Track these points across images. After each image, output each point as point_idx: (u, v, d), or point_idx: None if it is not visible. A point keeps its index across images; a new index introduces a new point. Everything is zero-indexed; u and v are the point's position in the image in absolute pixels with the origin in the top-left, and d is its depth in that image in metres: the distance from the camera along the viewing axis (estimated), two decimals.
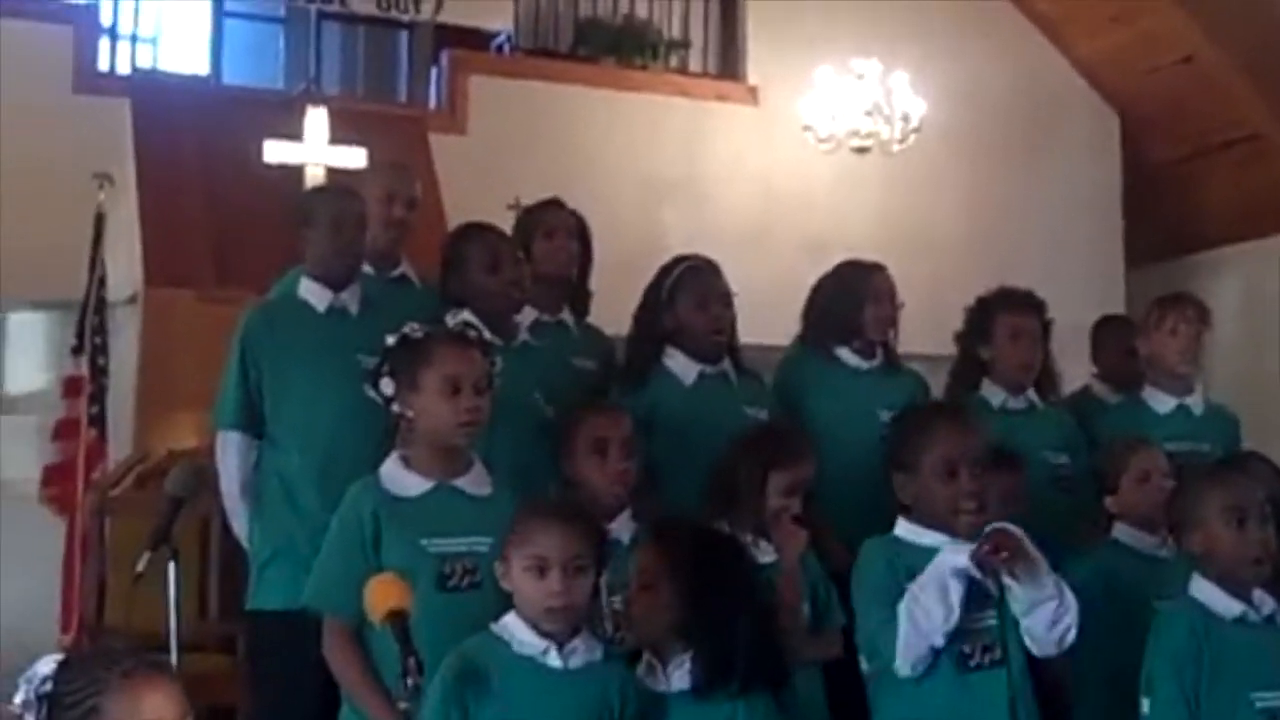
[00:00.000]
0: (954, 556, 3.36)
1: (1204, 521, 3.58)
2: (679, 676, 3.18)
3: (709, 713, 3.15)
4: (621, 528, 3.68)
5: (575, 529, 3.13)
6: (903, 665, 3.38)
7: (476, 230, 4.55)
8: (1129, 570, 4.09)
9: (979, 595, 3.40)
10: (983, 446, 3.60)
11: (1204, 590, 3.57)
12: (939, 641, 3.37)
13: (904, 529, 3.57)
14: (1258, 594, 3.56)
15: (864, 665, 3.57)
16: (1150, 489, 4.16)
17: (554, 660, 3.07)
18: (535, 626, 3.08)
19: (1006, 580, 3.40)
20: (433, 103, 9.84)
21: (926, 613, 3.34)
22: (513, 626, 3.11)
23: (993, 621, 3.44)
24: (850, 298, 4.82)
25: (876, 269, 4.91)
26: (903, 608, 3.36)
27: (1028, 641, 3.46)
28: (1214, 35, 10.06)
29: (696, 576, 3.20)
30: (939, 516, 3.51)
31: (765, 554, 3.83)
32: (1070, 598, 3.43)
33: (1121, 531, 4.21)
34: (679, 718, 3.16)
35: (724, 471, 3.97)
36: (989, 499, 3.57)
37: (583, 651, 3.10)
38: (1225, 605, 3.53)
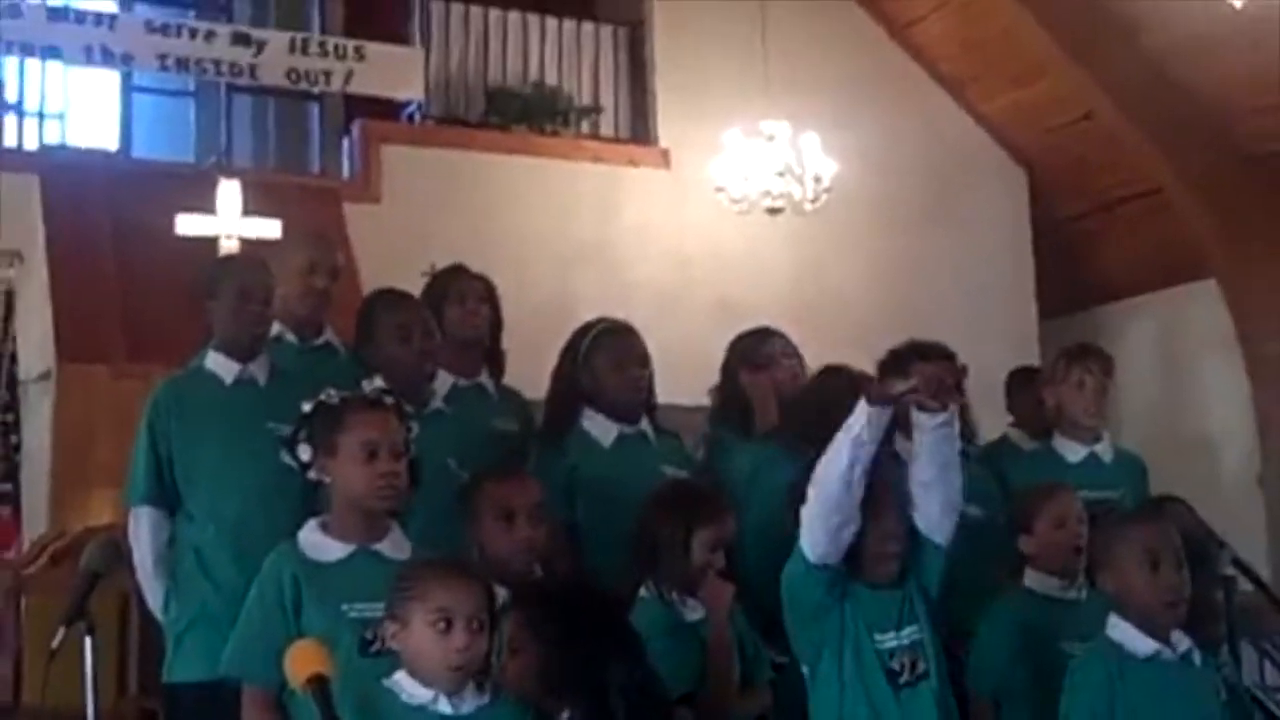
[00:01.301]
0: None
1: (1119, 564, 3.65)
2: None
3: None
4: None
5: (477, 585, 3.15)
6: (805, 538, 3.52)
7: (387, 299, 4.58)
8: (1042, 614, 4.15)
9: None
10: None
11: (1120, 630, 3.63)
12: (837, 489, 3.48)
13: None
14: (1175, 634, 3.63)
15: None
16: (1065, 534, 4.22)
17: (445, 708, 3.07)
18: (425, 681, 3.07)
19: (922, 418, 3.52)
20: (345, 172, 9.86)
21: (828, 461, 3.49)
22: (401, 681, 3.10)
23: (919, 636, 3.55)
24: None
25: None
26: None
27: (921, 522, 3.65)
28: (1112, 92, 10.31)
29: (559, 634, 3.22)
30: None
31: (693, 611, 3.85)
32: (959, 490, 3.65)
33: (1032, 577, 4.26)
34: None
35: (646, 530, 3.99)
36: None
37: (471, 698, 3.10)
38: (1140, 644, 3.60)
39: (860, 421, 3.48)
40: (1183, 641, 3.63)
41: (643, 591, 3.87)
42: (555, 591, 3.48)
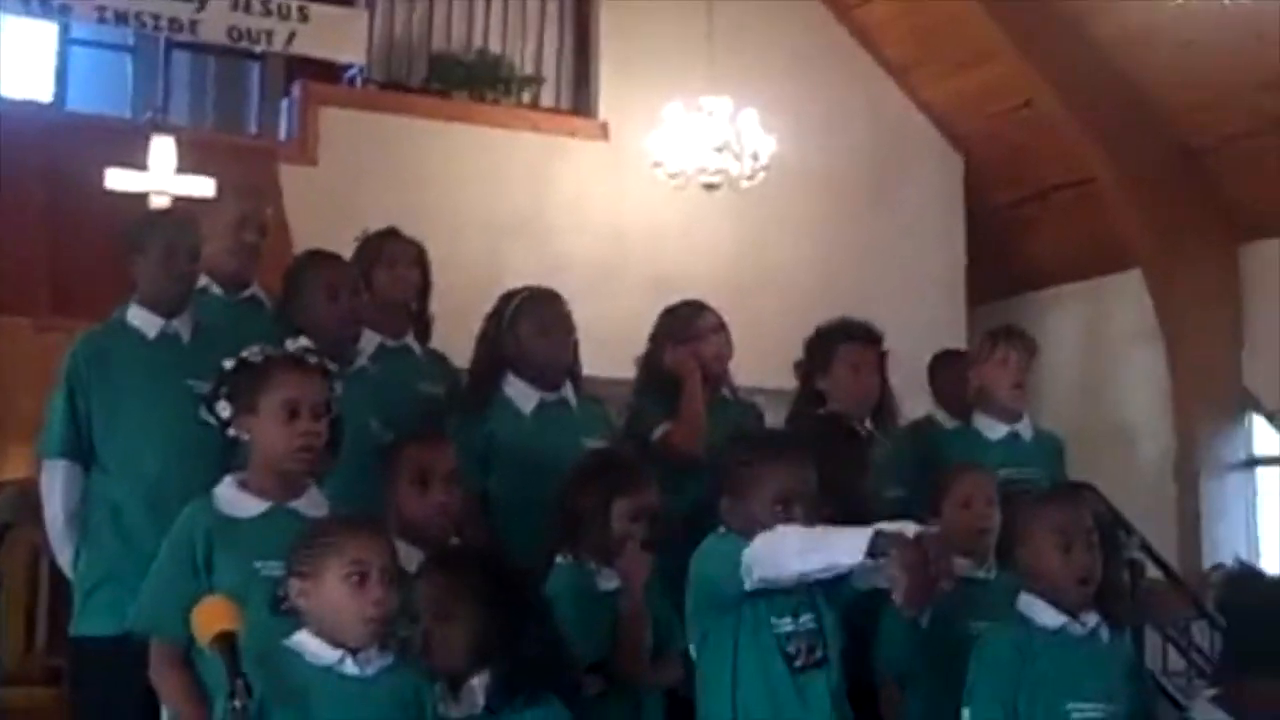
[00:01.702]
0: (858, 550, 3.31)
1: (1033, 542, 3.72)
2: (467, 700, 3.22)
3: None
4: None
5: (388, 540, 3.17)
6: (752, 564, 3.44)
7: (317, 258, 4.58)
8: (949, 594, 4.17)
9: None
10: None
11: (1030, 606, 3.70)
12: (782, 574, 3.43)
13: None
14: (1085, 612, 3.70)
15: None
16: (970, 515, 4.27)
17: (351, 668, 3.06)
18: (330, 640, 3.07)
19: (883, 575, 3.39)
20: (283, 134, 9.80)
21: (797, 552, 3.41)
22: (305, 642, 3.09)
23: (816, 625, 3.57)
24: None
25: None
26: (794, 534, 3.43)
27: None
28: (1052, 81, 10.39)
29: (489, 599, 3.25)
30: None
31: (609, 580, 3.86)
32: None
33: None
34: None
35: (566, 499, 4.00)
36: None
37: (376, 659, 3.10)
38: (1048, 618, 3.67)
39: (850, 559, 3.32)
40: (1091, 618, 3.70)
41: (559, 559, 3.89)
42: (486, 560, 3.48)
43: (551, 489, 4.07)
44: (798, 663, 3.54)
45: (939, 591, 3.21)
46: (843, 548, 3.29)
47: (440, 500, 3.78)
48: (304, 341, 3.86)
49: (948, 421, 5.74)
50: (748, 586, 3.46)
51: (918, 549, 3.15)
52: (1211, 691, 3.81)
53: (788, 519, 3.49)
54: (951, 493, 4.32)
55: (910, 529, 3.22)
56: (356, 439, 3.97)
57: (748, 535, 3.50)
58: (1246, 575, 4.17)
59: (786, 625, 3.56)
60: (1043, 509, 3.81)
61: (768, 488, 3.55)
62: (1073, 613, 3.68)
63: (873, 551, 3.20)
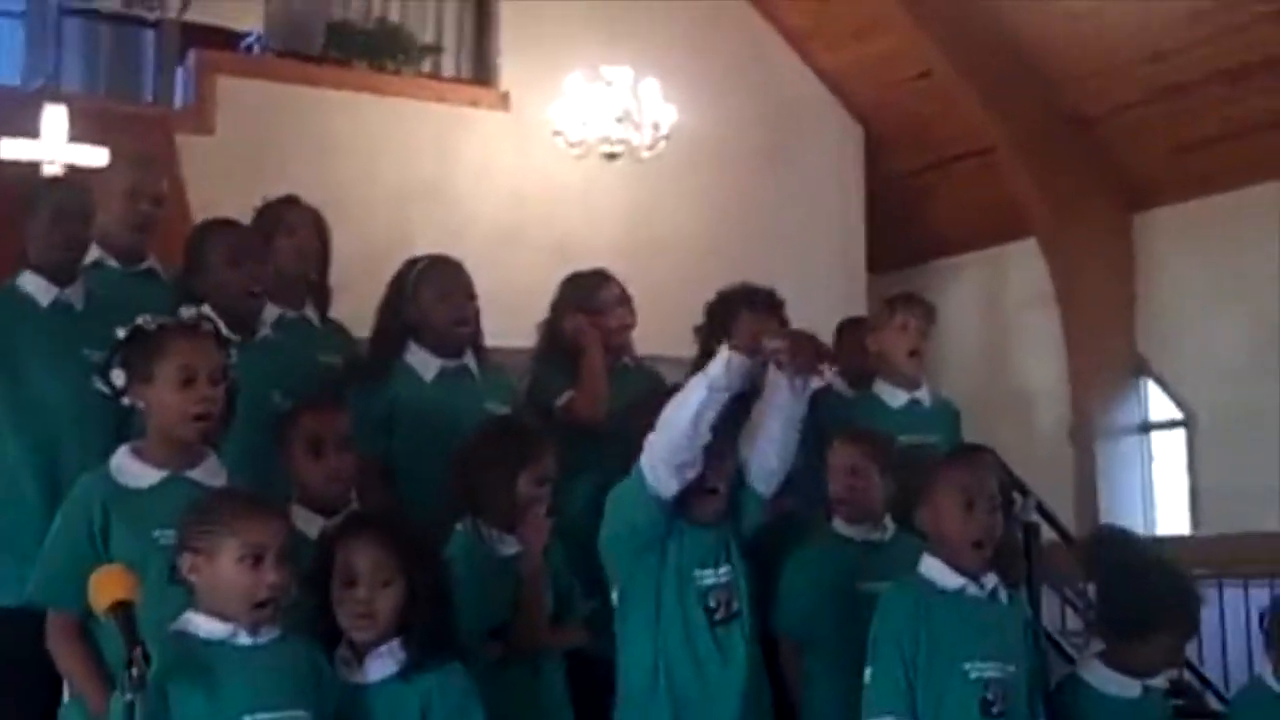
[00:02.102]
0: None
1: (936, 503, 3.77)
2: (379, 665, 3.23)
3: (408, 694, 3.22)
4: None
5: (283, 520, 3.19)
6: (647, 466, 3.61)
7: (219, 225, 4.54)
8: (846, 557, 4.25)
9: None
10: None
11: (930, 567, 3.76)
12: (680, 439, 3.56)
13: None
14: (985, 574, 3.76)
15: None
16: (856, 481, 4.32)
17: (244, 639, 3.08)
18: (219, 616, 3.07)
19: (778, 379, 3.62)
20: (179, 102, 9.65)
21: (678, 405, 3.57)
22: (194, 621, 3.09)
23: (732, 577, 3.70)
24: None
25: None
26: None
27: (753, 470, 3.79)
28: (950, 52, 10.49)
29: (420, 565, 3.28)
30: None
31: (509, 547, 3.87)
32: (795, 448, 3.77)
33: (838, 523, 4.37)
34: (381, 704, 3.21)
35: (467, 467, 4.00)
36: None
37: (266, 630, 3.12)
38: (948, 579, 3.72)
39: (719, 369, 3.53)
40: (990, 580, 3.76)
41: (458, 525, 3.89)
42: (417, 526, 3.52)
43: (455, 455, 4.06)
44: (717, 615, 3.62)
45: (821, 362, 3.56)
46: (708, 374, 3.55)
47: (334, 465, 3.78)
48: (203, 309, 3.83)
49: (842, 387, 5.78)
50: (662, 492, 3.60)
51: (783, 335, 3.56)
52: (1099, 647, 3.92)
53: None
54: (835, 461, 4.37)
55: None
56: (258, 410, 3.96)
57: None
58: (1113, 537, 4.29)
59: (708, 578, 3.65)
60: (946, 471, 3.86)
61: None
62: (972, 574, 3.73)
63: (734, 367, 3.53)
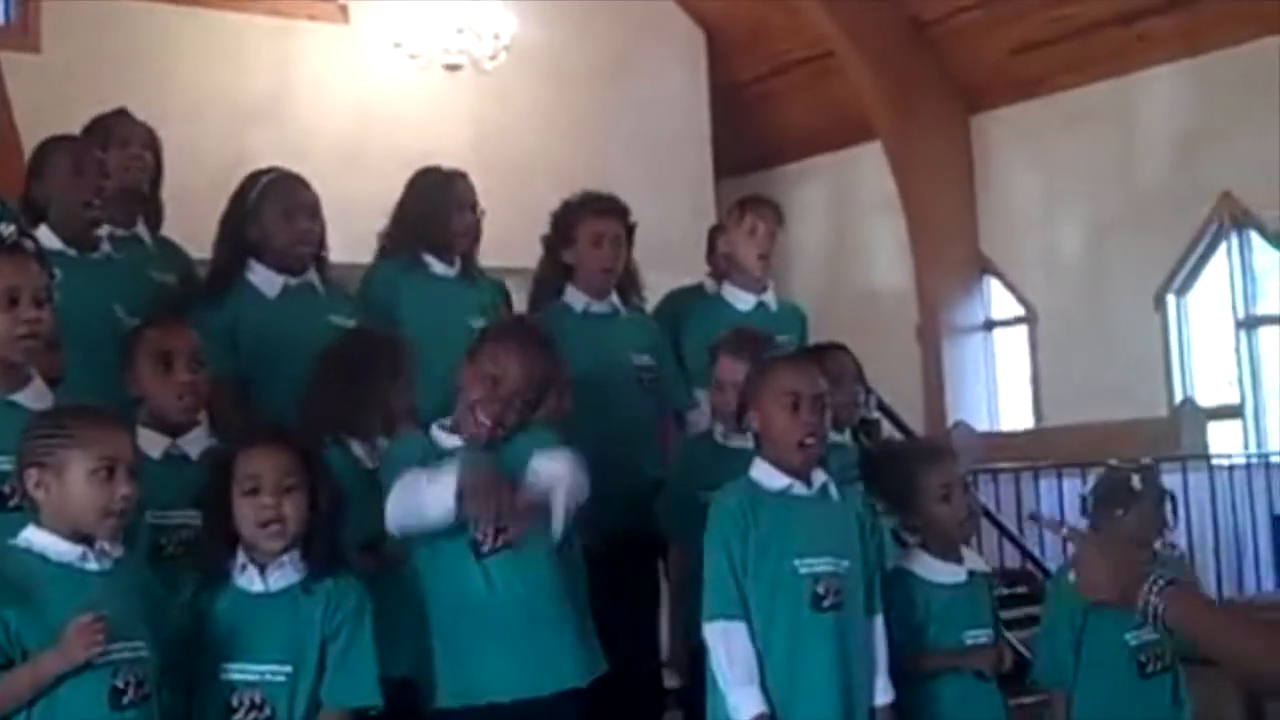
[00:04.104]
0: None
1: (763, 404, 3.80)
2: (280, 575, 3.24)
3: (308, 603, 3.24)
4: (192, 443, 3.67)
5: (130, 432, 3.14)
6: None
7: (61, 139, 4.43)
8: (711, 460, 4.29)
9: None
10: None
11: (759, 469, 3.80)
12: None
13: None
14: (815, 473, 3.80)
15: None
16: (720, 393, 4.37)
17: (92, 564, 3.02)
18: (65, 534, 3.02)
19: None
20: (1, 19, 9.34)
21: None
22: (39, 539, 3.02)
23: None
24: (435, 206, 4.85)
25: (458, 176, 4.95)
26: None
27: None
28: None
29: (324, 475, 3.32)
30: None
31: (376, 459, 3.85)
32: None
33: (718, 432, 4.44)
34: (282, 612, 3.22)
35: (332, 382, 3.95)
36: None
37: (112, 551, 3.07)
38: (773, 480, 3.76)
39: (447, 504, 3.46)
40: (819, 477, 3.80)
41: (328, 440, 3.85)
42: (316, 438, 3.52)
43: (303, 370, 4.03)
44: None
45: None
46: (444, 503, 3.46)
47: (185, 380, 3.70)
48: (17, 227, 3.70)
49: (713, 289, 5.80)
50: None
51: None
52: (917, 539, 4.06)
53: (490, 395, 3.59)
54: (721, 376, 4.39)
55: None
56: (102, 325, 3.91)
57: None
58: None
59: None
60: (772, 371, 3.88)
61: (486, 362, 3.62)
62: (801, 473, 3.77)
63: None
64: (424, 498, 3.47)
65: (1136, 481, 4.17)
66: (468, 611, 3.55)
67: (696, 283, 5.72)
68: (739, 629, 3.64)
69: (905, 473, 4.04)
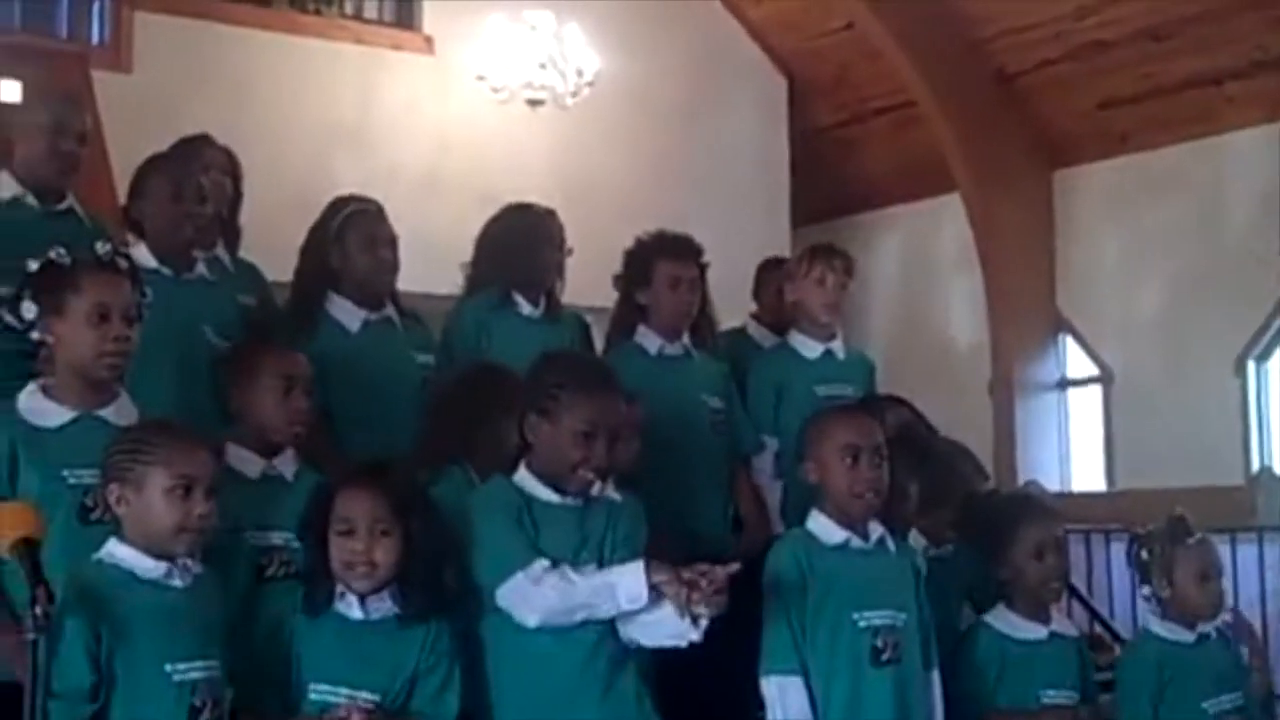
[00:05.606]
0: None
1: (821, 457, 3.78)
2: (378, 606, 3.28)
3: (402, 640, 3.28)
4: (286, 463, 3.70)
5: (210, 452, 3.17)
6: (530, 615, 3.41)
7: (161, 158, 4.52)
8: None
9: None
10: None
11: (815, 521, 3.78)
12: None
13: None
14: (872, 525, 3.78)
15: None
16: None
17: (175, 581, 3.08)
18: (145, 550, 3.06)
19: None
20: (95, 38, 9.47)
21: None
22: (121, 553, 3.07)
23: None
24: (527, 242, 4.85)
25: (549, 214, 4.95)
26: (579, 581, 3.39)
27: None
28: (873, 4, 10.48)
29: (422, 517, 3.32)
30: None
31: None
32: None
33: None
34: (371, 644, 3.26)
35: (453, 413, 3.96)
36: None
37: (193, 567, 3.12)
38: (831, 534, 3.74)
39: (634, 598, 3.36)
40: (876, 530, 3.78)
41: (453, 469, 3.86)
42: (414, 480, 3.51)
43: (384, 406, 4.12)
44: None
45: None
46: (619, 600, 3.36)
47: (299, 406, 3.72)
48: (115, 245, 3.76)
49: (762, 338, 5.76)
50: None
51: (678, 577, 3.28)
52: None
53: (589, 451, 3.47)
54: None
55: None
56: (193, 346, 4.00)
57: (547, 464, 3.50)
58: (910, 428, 4.36)
59: None
60: (829, 422, 3.87)
61: (576, 416, 3.48)
62: (858, 527, 3.74)
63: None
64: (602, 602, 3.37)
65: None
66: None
67: (739, 325, 5.69)
68: (795, 684, 3.63)
69: (1003, 524, 4.01)
